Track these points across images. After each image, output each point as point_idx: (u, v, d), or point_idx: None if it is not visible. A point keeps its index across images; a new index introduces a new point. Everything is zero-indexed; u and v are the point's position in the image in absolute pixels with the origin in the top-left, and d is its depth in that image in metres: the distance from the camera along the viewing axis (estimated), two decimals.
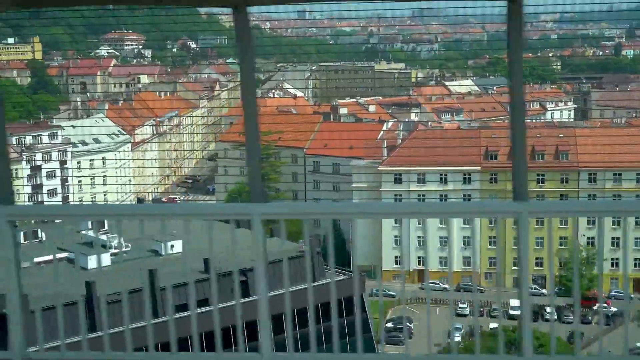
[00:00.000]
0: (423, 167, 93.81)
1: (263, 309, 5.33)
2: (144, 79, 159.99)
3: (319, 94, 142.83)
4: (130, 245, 46.98)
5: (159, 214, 5.66)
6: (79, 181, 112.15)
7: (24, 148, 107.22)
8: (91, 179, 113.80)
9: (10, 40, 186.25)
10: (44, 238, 53.33)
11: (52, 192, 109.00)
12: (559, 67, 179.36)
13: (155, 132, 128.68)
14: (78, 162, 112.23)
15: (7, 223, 5.18)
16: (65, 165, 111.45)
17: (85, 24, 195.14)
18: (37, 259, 43.44)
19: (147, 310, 6.27)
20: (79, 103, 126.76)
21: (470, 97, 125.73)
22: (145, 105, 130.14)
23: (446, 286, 76.33)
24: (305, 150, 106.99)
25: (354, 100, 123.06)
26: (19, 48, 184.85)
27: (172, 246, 49.23)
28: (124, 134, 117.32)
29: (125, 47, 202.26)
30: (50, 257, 42.91)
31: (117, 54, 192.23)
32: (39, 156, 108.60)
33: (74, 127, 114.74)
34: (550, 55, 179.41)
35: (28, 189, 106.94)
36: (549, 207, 5.66)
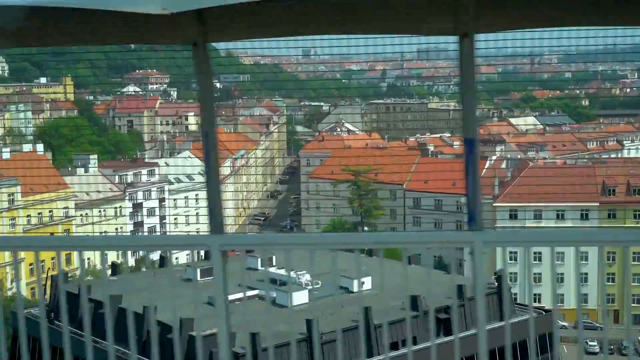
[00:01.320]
0: (540, 203, 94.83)
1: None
2: (192, 118, 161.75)
3: (381, 131, 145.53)
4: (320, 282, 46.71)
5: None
6: (175, 219, 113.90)
7: (126, 185, 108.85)
8: (186, 217, 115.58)
9: (43, 80, 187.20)
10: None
11: (151, 230, 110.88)
12: (586, 104, 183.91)
13: (232, 170, 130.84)
14: (174, 200, 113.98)
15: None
16: (163, 203, 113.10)
17: (107, 63, 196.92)
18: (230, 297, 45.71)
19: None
20: (165, 141, 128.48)
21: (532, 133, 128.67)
22: (222, 144, 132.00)
23: (564, 323, 75.85)
24: (404, 186, 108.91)
25: (437, 136, 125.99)
26: (50, 87, 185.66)
27: (362, 283, 48.25)
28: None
29: (150, 86, 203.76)
30: (240, 294, 45.15)
31: (143, 92, 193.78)
32: (139, 193, 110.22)
33: (167, 164, 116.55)
34: (577, 92, 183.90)
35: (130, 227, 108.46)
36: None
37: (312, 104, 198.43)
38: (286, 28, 5.22)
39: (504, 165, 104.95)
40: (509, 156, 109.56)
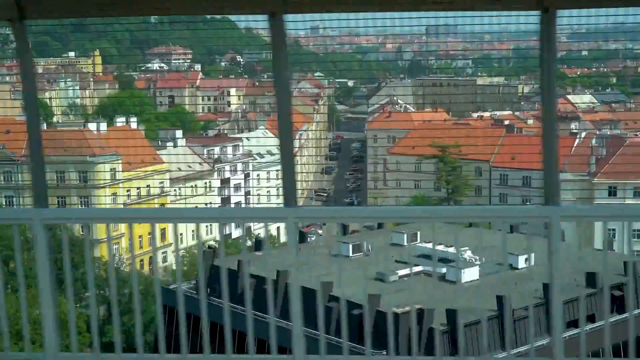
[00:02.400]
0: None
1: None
2: (233, 92, 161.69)
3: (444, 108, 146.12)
4: (484, 259, 45.74)
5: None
6: (258, 194, 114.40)
7: (215, 160, 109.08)
8: (267, 191, 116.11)
9: (72, 54, 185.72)
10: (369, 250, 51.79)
11: (238, 205, 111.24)
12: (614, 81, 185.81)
13: (299, 145, 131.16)
14: (257, 175, 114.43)
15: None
16: (249, 178, 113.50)
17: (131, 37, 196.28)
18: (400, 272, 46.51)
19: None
20: (239, 115, 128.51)
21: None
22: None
23: None
24: (491, 163, 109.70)
25: (509, 113, 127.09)
26: (80, 62, 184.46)
27: (526, 260, 46.94)
28: None
29: (173, 61, 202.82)
30: (407, 270, 45.98)
31: (167, 67, 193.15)
32: (226, 169, 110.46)
33: (248, 139, 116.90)
34: (604, 69, 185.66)
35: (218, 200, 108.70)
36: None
37: (338, 80, 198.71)
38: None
39: (594, 142, 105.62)
40: (597, 132, 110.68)
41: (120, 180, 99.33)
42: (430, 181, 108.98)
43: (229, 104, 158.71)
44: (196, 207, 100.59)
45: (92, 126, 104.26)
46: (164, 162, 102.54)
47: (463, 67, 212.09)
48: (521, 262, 46.84)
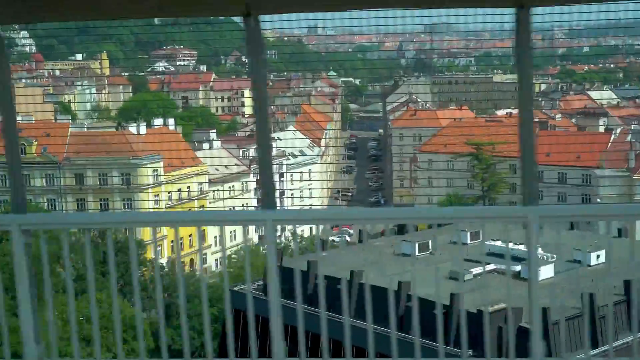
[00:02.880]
0: None
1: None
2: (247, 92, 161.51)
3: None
4: (554, 256, 44.64)
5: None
6: (292, 194, 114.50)
7: (251, 160, 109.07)
8: (300, 191, 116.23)
9: (79, 56, 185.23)
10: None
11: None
12: (621, 76, 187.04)
13: (325, 145, 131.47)
14: (291, 175, 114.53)
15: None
16: (282, 178, 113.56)
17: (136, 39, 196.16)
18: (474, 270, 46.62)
19: None
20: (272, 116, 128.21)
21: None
22: (311, 117, 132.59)
23: None
24: None
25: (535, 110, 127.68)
26: (91, 65, 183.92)
27: (597, 256, 46.79)
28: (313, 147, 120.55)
29: (179, 62, 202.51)
30: (479, 268, 45.97)
31: (173, 68, 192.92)
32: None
33: (279, 139, 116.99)
34: (612, 65, 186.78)
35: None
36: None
37: (342, 79, 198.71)
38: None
39: (629, 138, 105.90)
40: (631, 127, 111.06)
41: (162, 182, 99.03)
42: (463, 179, 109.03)
43: (243, 104, 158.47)
44: (232, 209, 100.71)
45: (132, 128, 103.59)
46: (202, 164, 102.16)
47: (467, 64, 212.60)
48: (593, 259, 46.68)
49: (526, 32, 4.81)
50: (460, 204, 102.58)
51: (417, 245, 50.08)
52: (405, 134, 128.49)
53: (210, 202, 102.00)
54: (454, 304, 37.54)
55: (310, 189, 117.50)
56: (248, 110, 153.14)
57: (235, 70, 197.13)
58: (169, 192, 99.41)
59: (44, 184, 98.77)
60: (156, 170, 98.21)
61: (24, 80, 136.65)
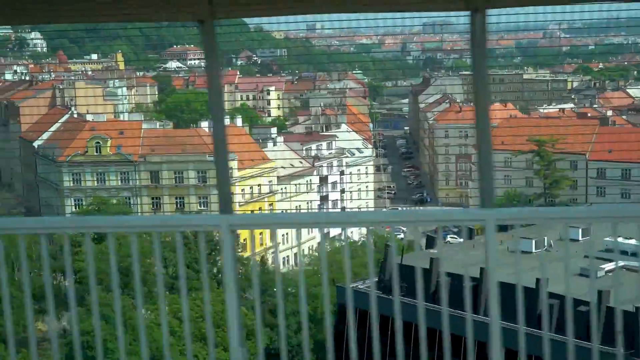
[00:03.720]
0: None
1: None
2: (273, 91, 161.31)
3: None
4: None
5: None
6: (350, 190, 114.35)
7: (314, 157, 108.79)
8: (358, 188, 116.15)
9: (94, 56, 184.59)
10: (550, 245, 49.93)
11: (334, 204, 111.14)
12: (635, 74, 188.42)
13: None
14: (350, 173, 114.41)
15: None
16: (343, 176, 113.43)
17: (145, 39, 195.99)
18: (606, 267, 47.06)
19: None
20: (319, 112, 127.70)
21: None
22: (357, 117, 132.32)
23: None
24: (587, 156, 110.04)
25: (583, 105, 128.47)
26: (102, 63, 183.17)
27: None
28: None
29: (189, 61, 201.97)
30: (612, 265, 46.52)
31: (186, 67, 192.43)
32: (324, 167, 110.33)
33: (337, 137, 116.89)
34: (625, 62, 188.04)
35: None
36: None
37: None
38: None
39: None
40: None
41: (237, 178, 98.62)
42: (521, 179, 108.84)
43: (268, 102, 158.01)
44: (299, 207, 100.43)
45: (204, 125, 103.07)
46: (270, 160, 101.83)
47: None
48: None
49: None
50: (519, 201, 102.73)
51: (534, 242, 49.95)
52: (450, 132, 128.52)
53: (278, 201, 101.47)
54: (602, 301, 36.68)
55: (361, 190, 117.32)
56: (274, 112, 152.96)
57: (247, 69, 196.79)
58: (242, 188, 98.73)
59: (119, 183, 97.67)
60: (231, 167, 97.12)
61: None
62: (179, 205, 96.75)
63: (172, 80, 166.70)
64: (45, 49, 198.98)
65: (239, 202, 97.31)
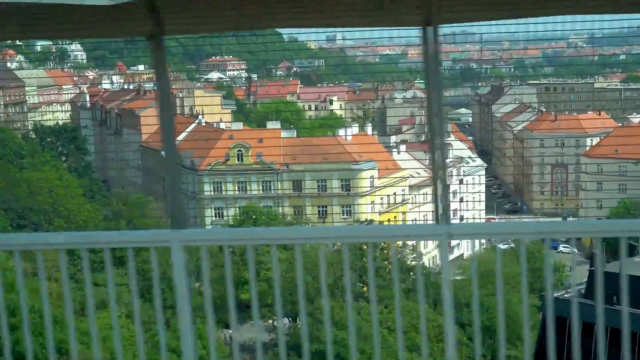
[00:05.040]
0: None
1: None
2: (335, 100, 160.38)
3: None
4: None
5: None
6: (466, 200, 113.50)
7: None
8: (472, 197, 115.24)
9: (141, 67, 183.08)
10: None
11: (454, 212, 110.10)
12: None
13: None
14: (466, 180, 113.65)
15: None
16: (461, 184, 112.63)
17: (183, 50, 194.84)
18: None
19: None
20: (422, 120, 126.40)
21: None
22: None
23: None
24: None
25: None
26: (148, 74, 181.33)
27: None
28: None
29: (228, 72, 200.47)
30: None
31: (227, 78, 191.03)
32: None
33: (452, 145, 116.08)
34: None
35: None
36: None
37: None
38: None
39: None
40: None
41: (377, 187, 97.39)
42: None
43: (331, 112, 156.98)
44: (425, 216, 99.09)
45: (341, 133, 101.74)
46: (401, 169, 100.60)
47: (509, 73, 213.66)
48: None
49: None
50: (637, 210, 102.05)
51: None
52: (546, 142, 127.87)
53: (410, 209, 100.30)
54: None
55: (475, 200, 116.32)
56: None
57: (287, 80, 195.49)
58: (381, 197, 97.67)
59: (261, 191, 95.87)
60: (372, 176, 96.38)
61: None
62: (321, 214, 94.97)
63: (234, 91, 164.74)
64: (84, 60, 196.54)
65: (379, 212, 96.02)
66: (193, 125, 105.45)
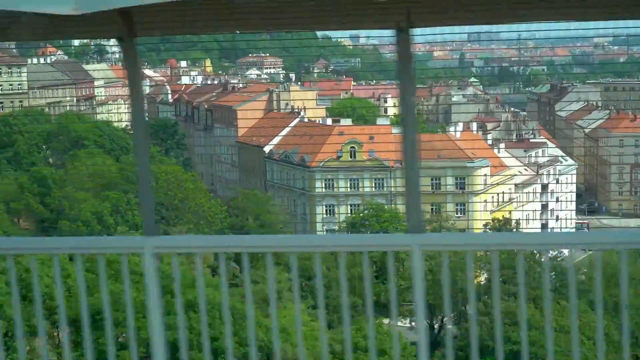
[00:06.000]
0: None
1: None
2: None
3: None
4: None
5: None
6: (560, 199, 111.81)
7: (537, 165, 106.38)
8: (566, 197, 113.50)
9: (183, 63, 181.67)
10: None
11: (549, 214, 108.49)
12: None
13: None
14: (560, 180, 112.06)
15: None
16: (557, 183, 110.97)
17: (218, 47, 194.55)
18: None
19: None
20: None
21: None
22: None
23: None
24: None
25: None
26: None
27: None
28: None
29: (265, 70, 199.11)
30: None
31: (265, 75, 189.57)
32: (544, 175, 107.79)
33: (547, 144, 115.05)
34: None
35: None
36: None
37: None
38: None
39: None
40: None
41: (490, 185, 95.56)
42: None
43: (385, 110, 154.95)
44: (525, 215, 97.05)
45: (452, 130, 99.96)
46: (508, 167, 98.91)
47: (551, 72, 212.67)
48: None
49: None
50: None
51: None
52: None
53: (516, 208, 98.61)
54: None
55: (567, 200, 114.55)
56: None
57: (327, 77, 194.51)
58: (492, 195, 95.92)
59: (373, 189, 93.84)
60: (485, 174, 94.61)
61: None
62: (434, 212, 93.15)
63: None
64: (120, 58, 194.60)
65: (490, 211, 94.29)
66: (295, 121, 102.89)
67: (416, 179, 5.17)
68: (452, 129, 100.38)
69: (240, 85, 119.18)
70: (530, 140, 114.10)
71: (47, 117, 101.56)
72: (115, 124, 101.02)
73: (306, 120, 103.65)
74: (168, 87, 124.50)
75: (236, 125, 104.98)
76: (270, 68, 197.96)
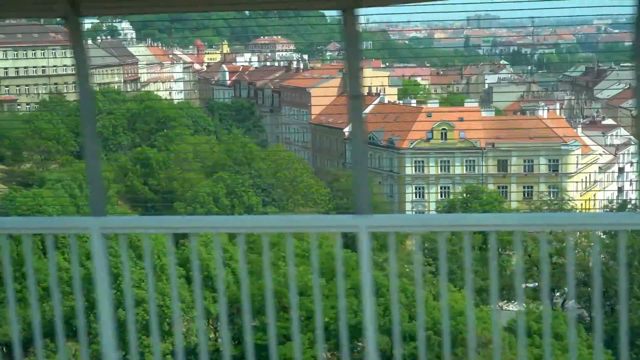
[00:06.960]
0: None
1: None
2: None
3: None
4: None
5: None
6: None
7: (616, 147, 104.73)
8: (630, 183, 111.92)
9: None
10: None
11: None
12: None
13: None
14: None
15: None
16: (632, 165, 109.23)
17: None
18: None
19: None
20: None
21: None
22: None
23: None
24: None
25: None
26: (208, 54, 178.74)
27: None
28: None
29: (277, 53, 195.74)
30: None
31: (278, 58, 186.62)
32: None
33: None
34: None
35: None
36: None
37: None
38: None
39: None
40: None
41: (582, 166, 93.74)
42: None
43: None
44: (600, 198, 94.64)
45: (540, 112, 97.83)
46: (592, 150, 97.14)
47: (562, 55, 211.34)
48: None
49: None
50: None
51: None
52: None
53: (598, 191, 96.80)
54: None
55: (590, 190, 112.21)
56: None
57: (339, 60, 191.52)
58: (581, 179, 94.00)
59: (464, 170, 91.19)
60: (577, 156, 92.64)
61: None
62: (526, 195, 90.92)
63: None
64: (134, 38, 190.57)
65: (579, 191, 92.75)
66: (375, 102, 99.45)
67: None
68: (540, 112, 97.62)
69: (309, 67, 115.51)
70: (602, 122, 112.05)
71: (124, 97, 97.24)
72: (192, 105, 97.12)
73: (386, 101, 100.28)
74: (225, 66, 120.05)
75: (309, 107, 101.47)
76: (282, 51, 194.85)
